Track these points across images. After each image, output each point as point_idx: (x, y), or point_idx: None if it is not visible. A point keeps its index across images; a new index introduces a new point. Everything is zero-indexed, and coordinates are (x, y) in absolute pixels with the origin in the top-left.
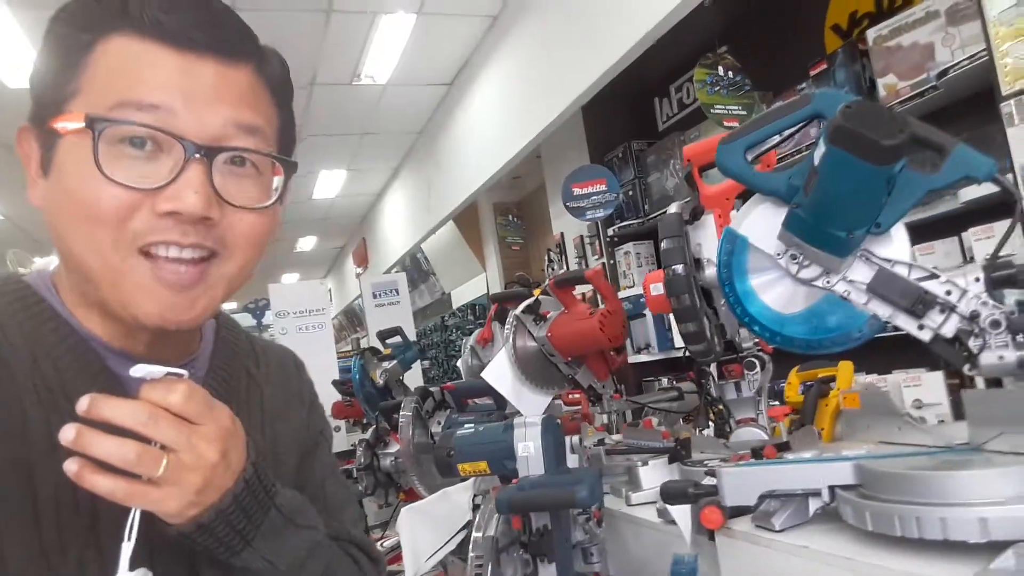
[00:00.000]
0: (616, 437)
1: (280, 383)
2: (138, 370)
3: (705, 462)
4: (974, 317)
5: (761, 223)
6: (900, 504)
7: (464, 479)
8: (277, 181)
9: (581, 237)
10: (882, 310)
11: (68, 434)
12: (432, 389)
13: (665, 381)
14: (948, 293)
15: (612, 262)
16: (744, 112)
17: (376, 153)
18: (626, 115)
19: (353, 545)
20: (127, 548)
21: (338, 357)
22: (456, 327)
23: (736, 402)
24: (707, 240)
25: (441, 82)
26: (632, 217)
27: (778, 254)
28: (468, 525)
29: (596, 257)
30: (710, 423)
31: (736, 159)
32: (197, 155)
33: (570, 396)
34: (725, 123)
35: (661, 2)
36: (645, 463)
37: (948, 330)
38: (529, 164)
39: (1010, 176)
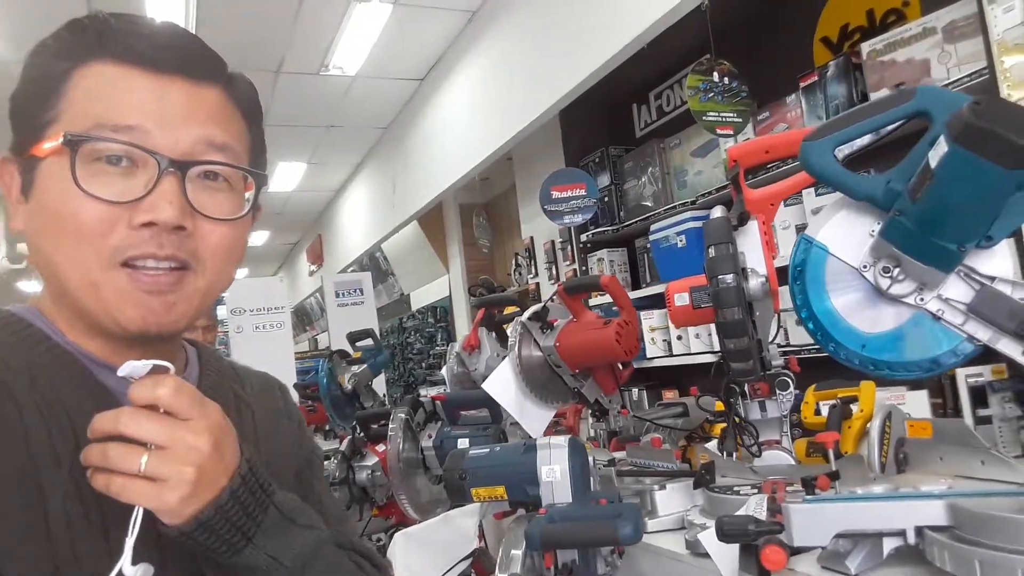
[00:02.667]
0: (619, 454)
1: (267, 403)
2: (124, 368)
3: (734, 488)
4: None
5: (842, 230)
6: (1017, 554)
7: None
8: (248, 195)
9: (552, 242)
10: (982, 332)
11: (82, 455)
12: (423, 400)
13: (636, 392)
14: None
15: (584, 268)
16: (739, 120)
17: (339, 147)
18: (604, 120)
19: (357, 553)
20: (130, 542)
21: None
22: (415, 329)
23: (760, 422)
24: (751, 249)
25: (413, 77)
26: (607, 223)
27: (864, 266)
28: (473, 554)
29: (568, 263)
30: (739, 445)
31: (825, 158)
32: (170, 169)
33: None
34: (718, 130)
35: (651, 7)
36: (662, 487)
37: None
38: (499, 165)
39: None
